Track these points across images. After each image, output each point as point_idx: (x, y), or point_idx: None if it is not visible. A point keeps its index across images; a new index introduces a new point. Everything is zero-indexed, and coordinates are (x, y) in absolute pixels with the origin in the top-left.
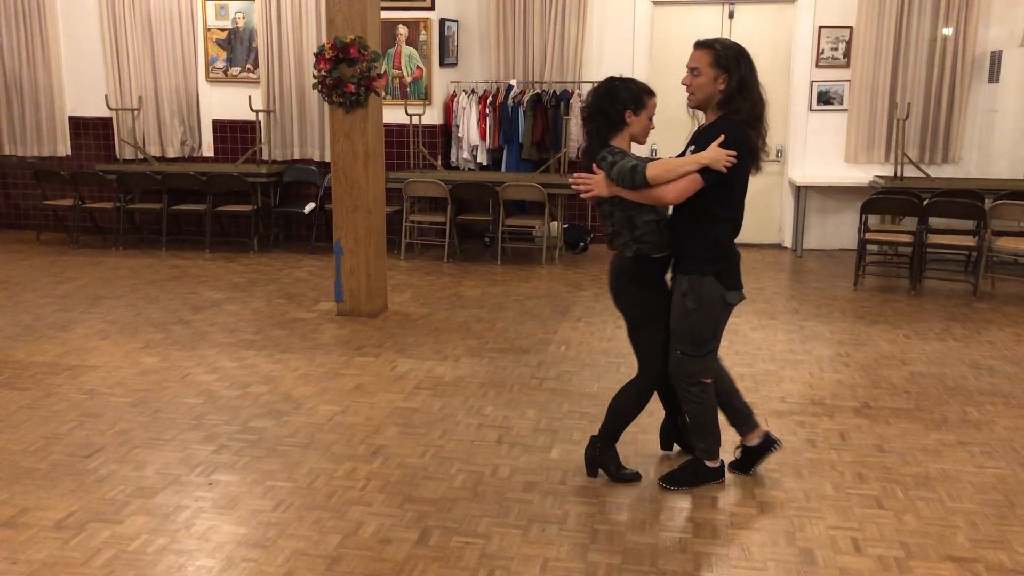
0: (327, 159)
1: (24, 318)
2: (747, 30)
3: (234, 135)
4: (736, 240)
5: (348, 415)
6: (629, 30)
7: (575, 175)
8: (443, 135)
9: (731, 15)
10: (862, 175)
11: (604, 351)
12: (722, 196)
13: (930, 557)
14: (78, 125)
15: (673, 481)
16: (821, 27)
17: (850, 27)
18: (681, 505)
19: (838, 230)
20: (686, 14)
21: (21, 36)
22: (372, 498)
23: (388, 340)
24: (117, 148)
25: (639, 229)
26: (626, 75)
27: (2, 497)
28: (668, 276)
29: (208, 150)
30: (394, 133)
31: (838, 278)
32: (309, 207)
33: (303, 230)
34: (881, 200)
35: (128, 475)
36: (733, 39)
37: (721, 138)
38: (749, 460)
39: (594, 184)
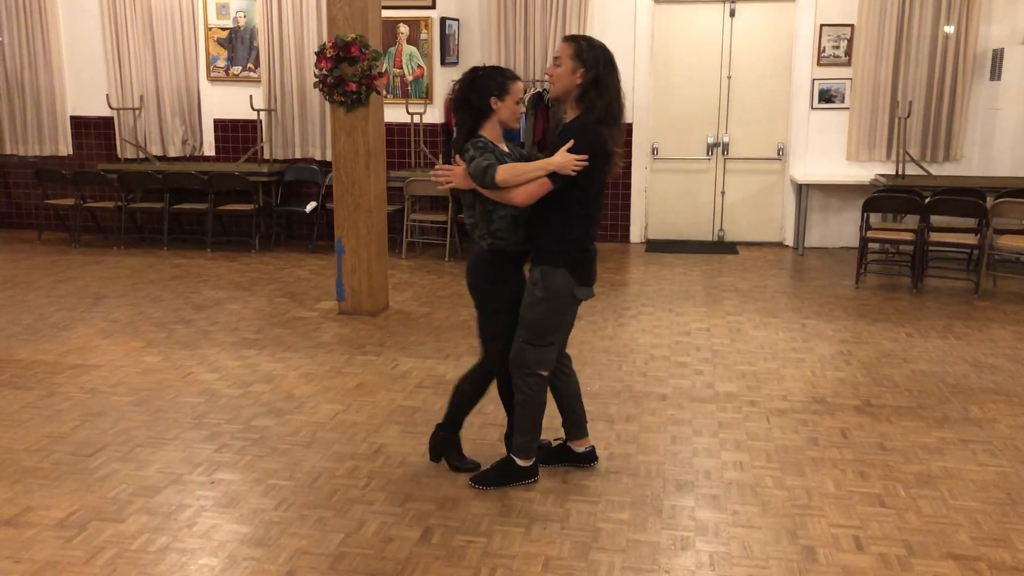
0: (328, 158)
1: (26, 317)
2: (748, 28)
3: (235, 134)
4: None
5: (350, 414)
6: (630, 29)
7: (436, 166)
8: (444, 134)
9: (732, 13)
10: (863, 173)
11: (605, 349)
12: (576, 196)
13: (932, 555)
14: (79, 124)
15: (483, 481)
16: (822, 25)
17: (851, 25)
18: (683, 503)
19: (840, 228)
20: (687, 12)
21: (23, 35)
22: (374, 496)
23: (389, 339)
24: (118, 147)
25: (495, 223)
26: (491, 64)
27: (5, 496)
28: (526, 269)
29: (209, 149)
30: (395, 132)
31: (840, 276)
32: (310, 206)
33: (304, 229)
34: (883, 198)
35: (130, 474)
36: (734, 37)
37: (571, 143)
38: (561, 457)
39: (453, 176)
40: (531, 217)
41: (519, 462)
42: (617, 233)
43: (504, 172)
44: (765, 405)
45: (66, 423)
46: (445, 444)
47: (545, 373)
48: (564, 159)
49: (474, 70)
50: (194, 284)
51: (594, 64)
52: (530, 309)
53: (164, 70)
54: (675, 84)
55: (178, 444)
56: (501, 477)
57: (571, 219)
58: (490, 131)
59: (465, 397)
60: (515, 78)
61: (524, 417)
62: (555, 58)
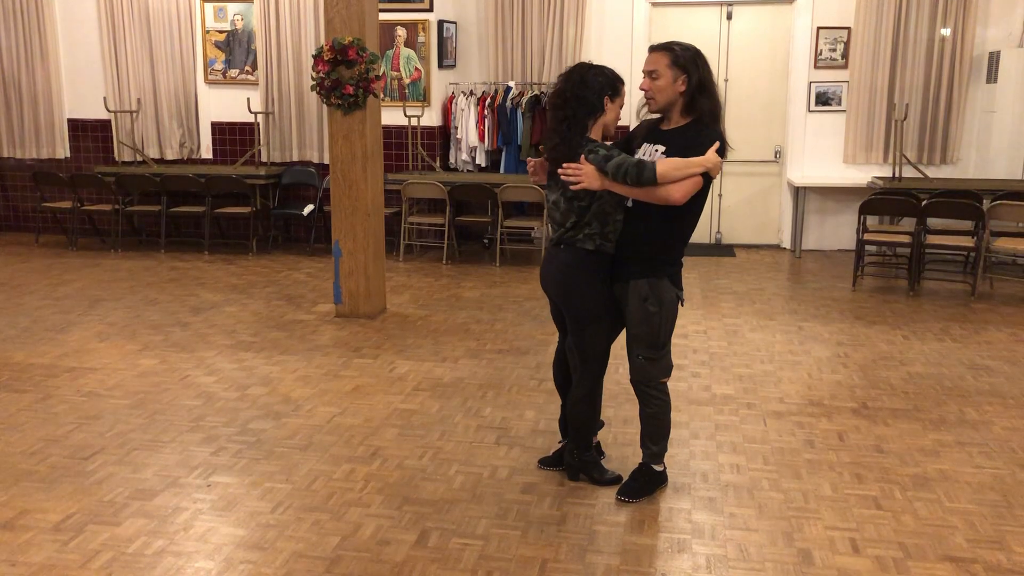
0: (326, 161)
1: (23, 320)
2: (745, 31)
3: (233, 137)
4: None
5: (347, 417)
6: (627, 31)
7: (566, 165)
8: (442, 136)
9: (729, 16)
10: (860, 176)
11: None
12: (697, 199)
13: (928, 557)
14: (77, 127)
15: (631, 493)
16: (819, 28)
17: (848, 28)
18: (680, 506)
19: (837, 231)
20: (684, 15)
21: (20, 38)
22: (371, 499)
23: (387, 341)
24: (116, 150)
25: (609, 226)
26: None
27: (1, 499)
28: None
29: (207, 152)
30: (393, 135)
31: (837, 279)
32: (308, 209)
33: (302, 232)
34: (879, 201)
35: (127, 477)
36: (732, 40)
37: (717, 144)
38: (562, 462)
39: (584, 176)
40: (640, 225)
41: (655, 467)
42: None
43: (665, 166)
44: (762, 408)
45: (62, 426)
46: (582, 463)
47: (666, 380)
48: (716, 159)
49: (582, 65)
50: (191, 287)
51: (695, 67)
52: (644, 324)
53: (161, 73)
54: None
55: (175, 447)
56: (646, 486)
57: (689, 223)
58: (595, 133)
59: (584, 422)
60: (623, 81)
61: (659, 426)
62: (649, 71)
